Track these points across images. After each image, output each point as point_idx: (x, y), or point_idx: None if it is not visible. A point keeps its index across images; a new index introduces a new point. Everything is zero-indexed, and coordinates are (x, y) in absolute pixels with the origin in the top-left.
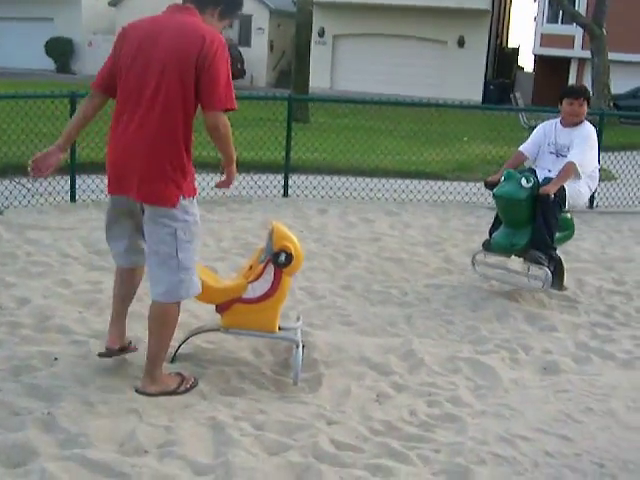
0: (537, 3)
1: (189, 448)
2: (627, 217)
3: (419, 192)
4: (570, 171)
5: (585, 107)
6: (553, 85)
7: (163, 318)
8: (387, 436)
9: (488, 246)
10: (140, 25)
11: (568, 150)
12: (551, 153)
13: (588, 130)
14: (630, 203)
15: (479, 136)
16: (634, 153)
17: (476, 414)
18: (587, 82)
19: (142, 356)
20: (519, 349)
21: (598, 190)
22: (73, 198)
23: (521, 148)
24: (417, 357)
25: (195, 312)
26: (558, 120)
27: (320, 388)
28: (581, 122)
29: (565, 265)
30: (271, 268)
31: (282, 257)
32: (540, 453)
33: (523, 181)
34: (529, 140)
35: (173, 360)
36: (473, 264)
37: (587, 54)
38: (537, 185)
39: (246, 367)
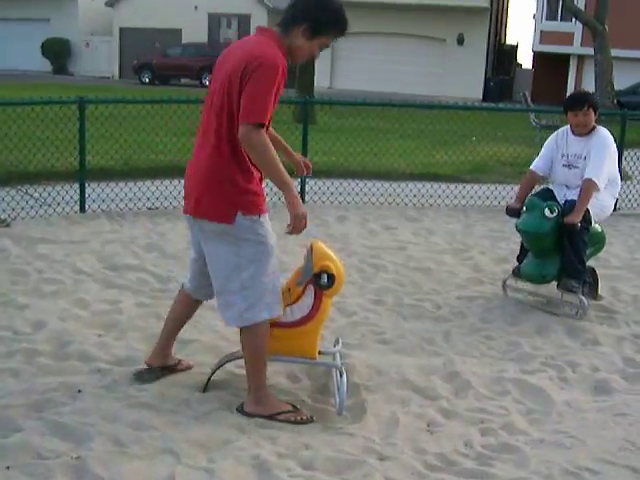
0: (536, 0)
1: None
2: None
3: (439, 196)
4: (590, 191)
5: (592, 114)
6: (552, 82)
7: (246, 342)
8: (444, 472)
9: (518, 274)
10: (224, 51)
11: (582, 160)
12: (564, 166)
13: (604, 138)
14: None
15: (487, 135)
16: None
17: (534, 443)
18: (587, 79)
19: (177, 386)
20: (566, 366)
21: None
22: (83, 208)
23: (533, 167)
24: (462, 378)
25: (224, 334)
26: (568, 128)
27: (365, 416)
28: (594, 129)
29: (597, 273)
30: (311, 290)
31: (324, 279)
32: None
33: (547, 212)
34: (540, 156)
35: (206, 389)
36: (504, 289)
37: (586, 51)
38: (561, 212)
39: (283, 395)
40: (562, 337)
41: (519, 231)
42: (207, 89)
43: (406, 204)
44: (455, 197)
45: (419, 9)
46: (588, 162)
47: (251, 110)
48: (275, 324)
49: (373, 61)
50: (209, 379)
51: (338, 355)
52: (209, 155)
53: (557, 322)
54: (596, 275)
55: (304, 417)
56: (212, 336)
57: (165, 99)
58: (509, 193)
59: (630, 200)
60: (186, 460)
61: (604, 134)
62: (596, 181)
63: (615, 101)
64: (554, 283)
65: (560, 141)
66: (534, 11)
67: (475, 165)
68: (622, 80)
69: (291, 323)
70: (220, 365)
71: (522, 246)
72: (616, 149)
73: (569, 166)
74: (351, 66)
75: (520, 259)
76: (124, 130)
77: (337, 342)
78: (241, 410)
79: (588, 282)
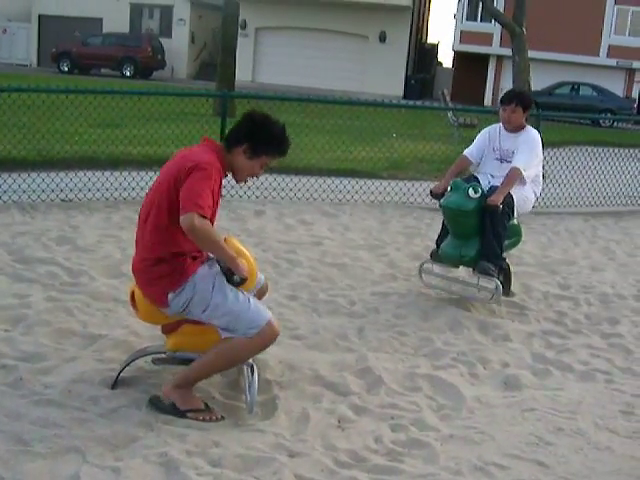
0: (457, 1)
1: None
2: (563, 217)
3: (356, 192)
4: (515, 177)
5: (519, 112)
6: (472, 81)
7: (225, 346)
8: (354, 468)
9: (436, 256)
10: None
11: (513, 155)
12: (496, 159)
13: (533, 136)
14: (563, 203)
15: (405, 132)
16: (559, 151)
17: (444, 439)
18: (505, 79)
19: (84, 383)
20: (477, 362)
21: None
22: None
23: (466, 152)
24: (374, 374)
25: (134, 329)
26: (501, 124)
27: (276, 413)
28: (524, 127)
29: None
30: None
31: (237, 277)
32: None
33: (471, 191)
34: (473, 145)
35: (114, 386)
36: (420, 274)
37: (505, 51)
38: (484, 195)
39: (193, 391)
40: (474, 333)
41: (443, 208)
42: (128, 80)
43: (323, 200)
44: (372, 193)
45: (342, 5)
46: (515, 154)
47: (190, 201)
48: (185, 320)
49: (296, 56)
50: (118, 375)
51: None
52: (140, 260)
53: (469, 318)
54: (510, 271)
55: (213, 417)
56: (122, 332)
57: (81, 89)
58: (425, 190)
59: (543, 199)
60: (92, 459)
61: (533, 133)
62: (522, 170)
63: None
64: (469, 271)
65: (493, 134)
66: (455, 11)
67: (393, 162)
68: (539, 81)
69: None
70: (130, 361)
71: (442, 229)
72: (541, 150)
73: (501, 160)
74: (273, 60)
75: (439, 242)
76: (38, 119)
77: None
78: (154, 401)
79: (504, 269)
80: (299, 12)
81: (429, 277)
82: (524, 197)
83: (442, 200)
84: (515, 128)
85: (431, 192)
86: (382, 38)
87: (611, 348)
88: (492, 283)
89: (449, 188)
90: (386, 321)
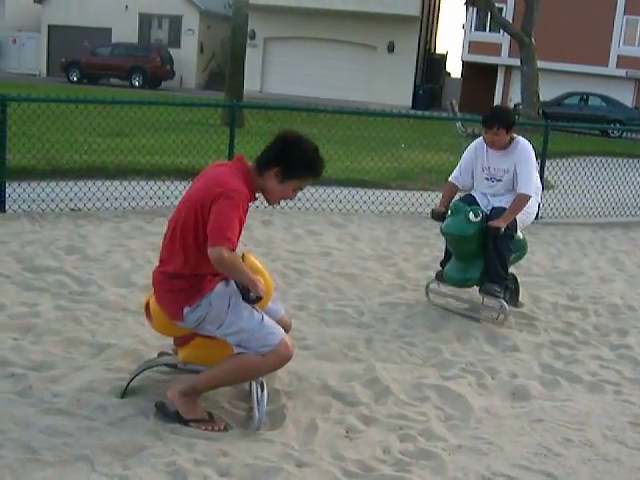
0: (466, 11)
1: None
2: (572, 228)
3: (364, 202)
4: (523, 204)
5: (503, 134)
6: (480, 91)
7: (240, 359)
8: (362, 478)
9: (441, 278)
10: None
11: (503, 173)
12: (486, 179)
13: (526, 150)
14: (572, 213)
15: (414, 142)
16: (567, 161)
17: (452, 449)
18: (514, 89)
19: (93, 392)
20: (485, 373)
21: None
22: (2, 208)
23: (451, 179)
24: (382, 385)
25: (143, 338)
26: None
27: (284, 423)
28: (512, 140)
29: (519, 280)
30: None
31: (253, 294)
32: None
33: (471, 215)
34: (458, 168)
35: (124, 395)
36: (427, 293)
37: (514, 61)
38: (485, 218)
39: (202, 401)
40: (482, 344)
41: (443, 234)
42: (137, 90)
43: (332, 210)
44: (380, 203)
45: (351, 16)
46: (518, 177)
47: (219, 234)
48: (198, 334)
49: (304, 66)
50: (128, 385)
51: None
52: (161, 271)
53: (477, 329)
54: (517, 282)
55: (216, 428)
56: (131, 341)
57: (90, 99)
58: (434, 200)
59: (552, 209)
60: (100, 467)
61: (525, 146)
62: (530, 195)
63: (540, 112)
64: (476, 289)
65: (479, 152)
66: (463, 21)
67: (401, 172)
68: (548, 91)
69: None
70: (140, 371)
71: (446, 251)
72: (534, 159)
73: (491, 179)
74: (282, 70)
75: (443, 264)
76: (47, 129)
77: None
78: (159, 406)
79: (510, 288)
80: (308, 22)
81: (436, 297)
82: (527, 212)
83: (442, 225)
84: (502, 147)
85: (432, 213)
86: (390, 48)
87: (620, 359)
88: (497, 303)
89: (449, 212)
90: (394, 331)
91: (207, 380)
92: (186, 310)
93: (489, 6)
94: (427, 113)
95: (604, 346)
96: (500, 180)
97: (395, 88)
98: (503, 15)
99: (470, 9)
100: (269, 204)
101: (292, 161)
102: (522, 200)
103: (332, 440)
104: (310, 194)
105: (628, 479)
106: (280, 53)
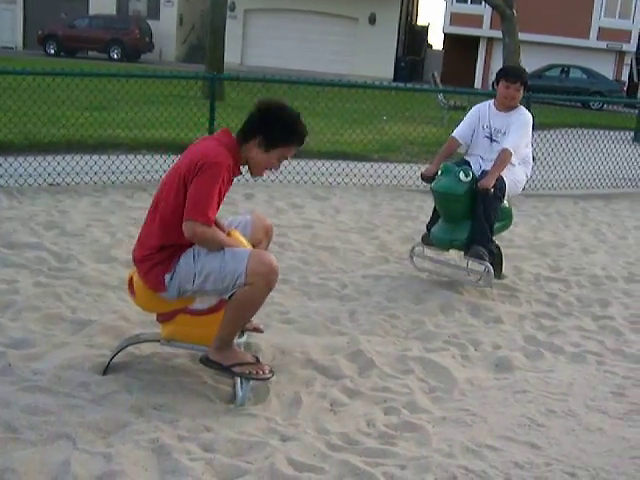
0: None
1: None
2: (554, 199)
3: (346, 175)
4: (505, 159)
5: (522, 92)
6: (462, 63)
7: (241, 293)
8: (347, 452)
9: (427, 240)
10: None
11: (502, 135)
12: (485, 137)
13: (525, 116)
14: (554, 185)
15: (396, 115)
16: (549, 133)
17: (436, 421)
18: (495, 61)
19: (75, 369)
20: (468, 344)
21: None
22: None
23: (454, 134)
24: (366, 357)
25: (124, 314)
26: (492, 102)
27: (268, 397)
28: (516, 107)
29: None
30: None
31: None
32: (510, 464)
33: (461, 175)
34: (462, 124)
35: (106, 371)
36: (411, 257)
37: (495, 33)
38: (475, 178)
39: (185, 376)
40: (465, 315)
41: (434, 192)
42: (115, 62)
43: (314, 182)
44: (363, 176)
45: None
46: (507, 135)
47: (195, 208)
48: (182, 310)
49: (285, 38)
50: (110, 361)
51: (242, 347)
52: (144, 247)
53: (461, 301)
54: (501, 254)
55: (261, 371)
56: (112, 317)
57: (68, 71)
58: (416, 172)
59: (534, 181)
60: (82, 445)
61: (525, 113)
62: (512, 152)
63: None
64: (460, 255)
65: (483, 112)
66: None
67: (383, 144)
68: (529, 63)
69: (200, 311)
70: (122, 348)
71: (433, 213)
72: (531, 130)
73: (490, 138)
74: (262, 43)
75: (429, 226)
76: (24, 103)
77: (242, 333)
78: (204, 360)
79: (494, 253)
80: None
81: (420, 260)
82: (515, 180)
83: (433, 184)
84: (509, 107)
85: (422, 175)
86: (372, 20)
87: (602, 330)
88: (482, 267)
89: (439, 172)
90: (377, 304)
91: (226, 327)
92: (167, 278)
93: None
94: (410, 85)
95: (586, 317)
96: (497, 141)
97: (377, 60)
98: None
99: None
100: (254, 176)
101: (274, 128)
102: (504, 156)
103: (316, 414)
104: (292, 167)
105: (611, 448)
106: (261, 25)
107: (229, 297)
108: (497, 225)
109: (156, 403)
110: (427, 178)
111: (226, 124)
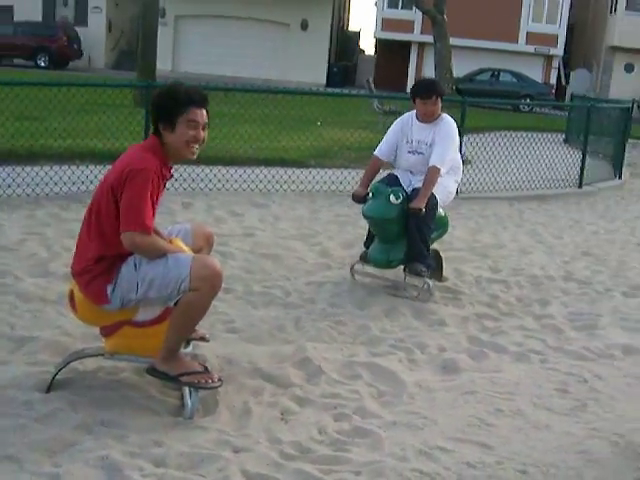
0: None
1: None
2: (489, 202)
3: (285, 182)
4: (434, 178)
5: (439, 103)
6: (394, 68)
7: (187, 299)
8: (301, 460)
9: (365, 259)
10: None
11: (427, 146)
12: (409, 152)
13: (449, 125)
14: (489, 187)
15: (331, 120)
16: (481, 136)
17: (387, 426)
18: (427, 66)
19: (16, 388)
20: (414, 348)
21: None
22: None
23: (377, 153)
24: (314, 365)
25: (66, 329)
26: (414, 114)
27: (217, 409)
28: (439, 116)
29: (442, 255)
30: None
31: None
32: (462, 465)
33: (392, 198)
34: (384, 142)
35: (49, 389)
36: (352, 274)
37: (427, 38)
38: (406, 198)
39: (132, 390)
40: (410, 319)
41: (365, 217)
42: (43, 70)
43: (252, 190)
44: (301, 182)
45: None
46: (433, 149)
47: (130, 218)
48: (126, 322)
49: (216, 45)
50: (53, 378)
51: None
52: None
53: (405, 305)
54: (440, 258)
55: (210, 380)
56: (53, 332)
57: None
58: (354, 178)
59: (470, 184)
60: (29, 466)
61: (449, 122)
62: (440, 167)
63: (453, 88)
64: (400, 267)
65: (405, 127)
66: None
67: (320, 150)
68: (460, 68)
69: (144, 322)
70: (65, 364)
71: (369, 231)
72: (458, 137)
73: (414, 152)
74: (194, 49)
75: (367, 244)
76: None
77: (188, 344)
78: (150, 371)
79: (432, 266)
80: (220, 0)
81: (360, 277)
82: (447, 192)
83: (364, 208)
84: (432, 118)
85: (353, 196)
86: (304, 26)
87: (543, 329)
88: (420, 281)
89: (370, 193)
90: (322, 310)
91: (173, 335)
92: (109, 289)
93: None
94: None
95: (527, 316)
96: (422, 154)
97: (309, 66)
98: None
99: None
100: (176, 161)
101: (161, 106)
102: (433, 174)
103: (267, 423)
104: (230, 174)
105: (559, 444)
106: (192, 31)
107: (174, 304)
108: (434, 235)
109: (103, 419)
110: (358, 199)
111: None
